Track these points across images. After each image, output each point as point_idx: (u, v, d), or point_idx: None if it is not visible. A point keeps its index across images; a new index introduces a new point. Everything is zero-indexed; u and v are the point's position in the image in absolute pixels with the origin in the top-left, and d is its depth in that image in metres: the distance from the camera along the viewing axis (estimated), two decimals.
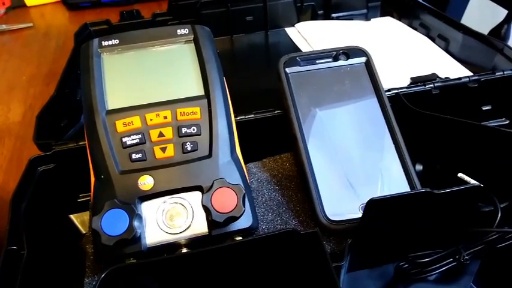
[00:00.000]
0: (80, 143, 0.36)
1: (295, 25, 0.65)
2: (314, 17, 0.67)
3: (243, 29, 0.64)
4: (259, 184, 0.36)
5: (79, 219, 0.37)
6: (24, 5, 0.84)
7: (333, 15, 0.67)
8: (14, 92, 0.60)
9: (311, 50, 0.57)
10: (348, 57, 0.39)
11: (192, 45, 0.36)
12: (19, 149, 0.50)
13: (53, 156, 0.36)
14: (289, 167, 0.37)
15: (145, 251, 0.29)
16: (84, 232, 0.36)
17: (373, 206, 0.27)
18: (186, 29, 0.36)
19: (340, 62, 0.38)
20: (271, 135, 0.38)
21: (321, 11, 0.67)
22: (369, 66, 0.38)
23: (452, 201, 0.29)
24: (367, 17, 0.67)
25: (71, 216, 0.37)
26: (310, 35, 0.62)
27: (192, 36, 0.36)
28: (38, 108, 0.40)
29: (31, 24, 0.77)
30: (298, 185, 0.36)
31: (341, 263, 0.29)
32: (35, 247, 0.31)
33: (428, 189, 0.28)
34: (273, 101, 0.39)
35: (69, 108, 0.45)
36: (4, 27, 0.75)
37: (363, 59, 0.39)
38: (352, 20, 0.67)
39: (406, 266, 0.31)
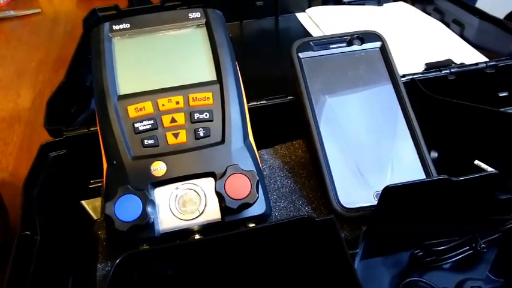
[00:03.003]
0: (91, 129, 0.36)
1: (306, 10, 0.64)
2: (325, 1, 0.65)
3: (253, 14, 0.63)
4: (272, 171, 0.35)
5: (91, 205, 0.37)
6: None
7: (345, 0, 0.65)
8: (23, 78, 0.60)
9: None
10: (362, 42, 0.38)
11: (204, 29, 0.35)
12: (29, 135, 0.50)
13: (64, 142, 0.36)
14: (301, 153, 0.37)
15: (158, 236, 0.29)
16: (95, 218, 0.36)
17: (389, 194, 0.27)
18: (198, 13, 0.36)
19: (355, 47, 0.38)
20: (284, 122, 0.37)
21: None
22: (384, 51, 0.37)
23: (470, 189, 0.28)
24: (379, 2, 0.66)
25: (83, 202, 0.37)
26: (321, 20, 0.60)
27: (204, 20, 0.35)
28: (47, 94, 0.40)
29: (39, 10, 0.77)
30: (311, 172, 0.35)
31: (355, 251, 0.28)
32: (48, 232, 0.31)
33: (445, 176, 0.27)
34: (285, 86, 0.38)
35: (79, 94, 0.45)
36: (12, 13, 0.75)
37: (378, 44, 0.38)
38: (364, 5, 0.65)
39: (421, 253, 0.31)
